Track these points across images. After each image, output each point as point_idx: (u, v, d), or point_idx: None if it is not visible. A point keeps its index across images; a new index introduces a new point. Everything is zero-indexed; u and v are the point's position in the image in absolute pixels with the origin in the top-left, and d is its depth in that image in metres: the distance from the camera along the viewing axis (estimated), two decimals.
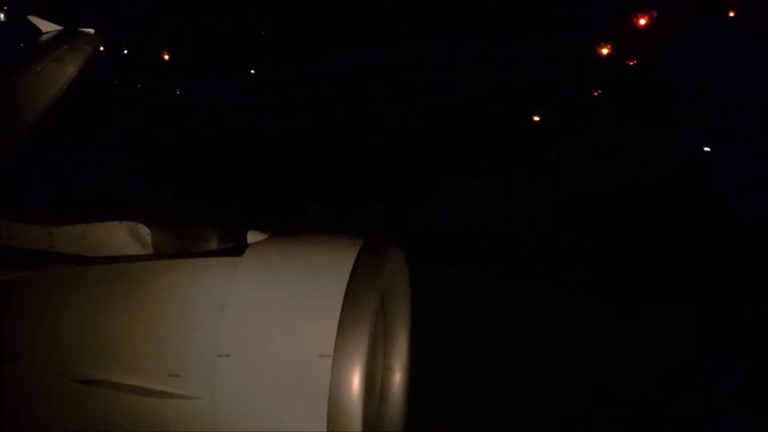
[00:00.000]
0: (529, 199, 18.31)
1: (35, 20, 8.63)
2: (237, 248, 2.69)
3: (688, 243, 14.73)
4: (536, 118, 26.84)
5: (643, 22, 34.28)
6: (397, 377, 2.98)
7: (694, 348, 11.00)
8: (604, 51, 32.54)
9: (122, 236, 3.03)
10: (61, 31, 8.53)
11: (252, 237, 2.77)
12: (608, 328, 11.63)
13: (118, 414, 2.47)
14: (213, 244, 2.97)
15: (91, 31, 8.61)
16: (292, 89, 30.04)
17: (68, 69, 7.39)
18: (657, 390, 10.00)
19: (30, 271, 2.93)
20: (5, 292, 2.81)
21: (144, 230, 3.02)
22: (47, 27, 8.59)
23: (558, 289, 12.89)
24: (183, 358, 2.42)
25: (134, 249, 3.01)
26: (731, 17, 33.77)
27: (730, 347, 11.13)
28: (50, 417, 2.62)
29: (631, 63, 30.77)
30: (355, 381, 2.25)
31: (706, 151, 21.89)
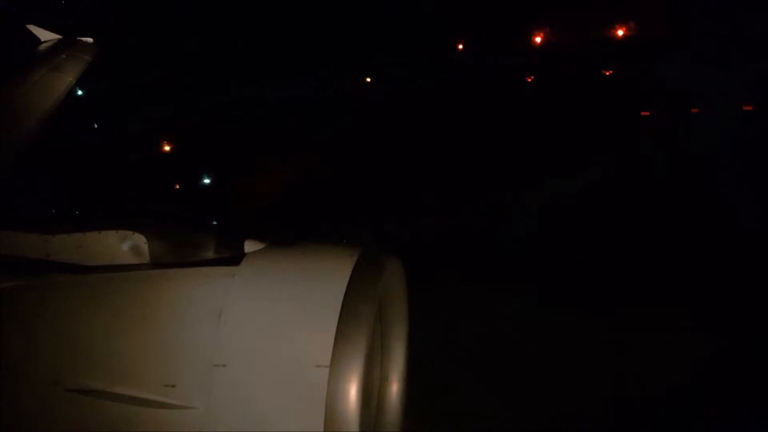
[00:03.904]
0: None
1: (34, 29, 8.64)
2: (234, 257, 2.68)
3: None
4: None
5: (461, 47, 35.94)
6: (394, 388, 2.95)
7: None
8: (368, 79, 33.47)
9: (118, 245, 3.02)
10: (59, 40, 8.53)
11: (249, 246, 2.76)
12: None
13: (114, 424, 2.45)
14: (210, 253, 2.96)
15: (90, 40, 8.62)
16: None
17: (66, 78, 7.39)
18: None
19: (26, 280, 2.91)
20: (2, 301, 2.79)
21: (140, 239, 3.00)
22: (46, 36, 8.60)
23: None
24: (179, 368, 2.40)
25: (130, 258, 3.00)
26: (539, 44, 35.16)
27: None
28: (46, 427, 2.60)
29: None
30: (352, 392, 2.23)
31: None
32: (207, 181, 21.23)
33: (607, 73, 32.08)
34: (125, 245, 3.02)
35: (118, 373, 2.48)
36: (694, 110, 26.45)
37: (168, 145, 23.94)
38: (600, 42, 34.55)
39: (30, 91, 6.79)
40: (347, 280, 2.42)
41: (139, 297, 2.65)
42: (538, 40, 36.59)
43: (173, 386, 2.38)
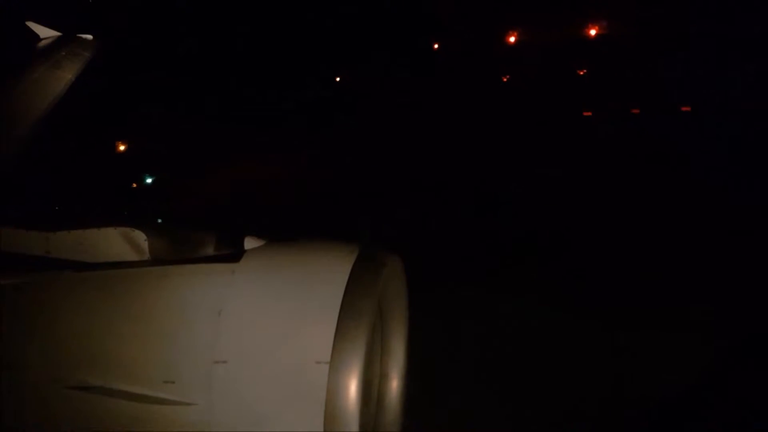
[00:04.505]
0: None
1: (33, 26, 8.62)
2: (234, 254, 2.68)
3: None
4: None
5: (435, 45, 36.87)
6: (394, 385, 2.96)
7: None
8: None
9: (119, 242, 3.02)
10: (59, 37, 8.52)
11: (249, 243, 2.76)
12: None
13: (114, 421, 2.45)
14: (210, 250, 2.95)
15: (90, 37, 8.61)
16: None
17: (66, 75, 7.37)
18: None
19: (26, 277, 2.91)
20: (1, 298, 2.79)
21: (140, 236, 3.00)
22: (45, 33, 8.58)
23: None
24: (179, 365, 2.41)
25: (131, 255, 2.99)
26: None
27: None
28: (45, 424, 2.60)
29: None
30: (352, 388, 2.23)
31: None
32: (149, 180, 21.04)
33: (581, 73, 32.33)
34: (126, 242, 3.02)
35: (119, 370, 2.48)
36: (634, 111, 26.66)
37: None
38: (573, 41, 34.90)
39: (29, 88, 6.78)
40: (347, 276, 2.43)
41: (140, 294, 2.65)
42: (512, 39, 37.01)
43: (173, 383, 2.38)
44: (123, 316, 2.59)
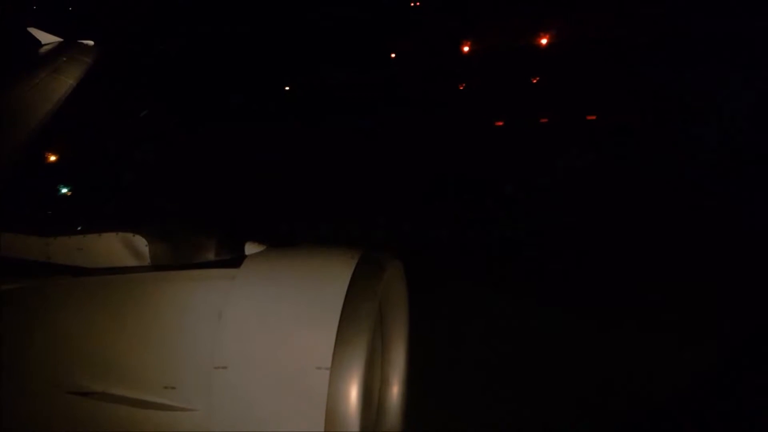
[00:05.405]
0: None
1: (35, 32, 8.66)
2: (234, 260, 2.68)
3: None
4: None
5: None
6: (395, 390, 2.96)
7: None
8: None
9: (119, 247, 3.03)
10: (60, 43, 8.56)
11: (249, 248, 2.77)
12: None
13: (114, 426, 2.45)
14: (210, 256, 2.96)
15: (91, 42, 8.64)
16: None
17: (67, 80, 7.40)
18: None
19: (26, 282, 2.92)
20: (1, 303, 2.79)
21: (141, 241, 3.01)
22: (47, 39, 8.62)
23: None
24: (179, 370, 2.41)
25: (131, 260, 3.00)
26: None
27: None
28: (45, 429, 2.60)
29: None
30: (353, 394, 2.23)
31: None
32: (64, 190, 20.53)
33: (534, 81, 32.56)
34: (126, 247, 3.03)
35: (119, 375, 2.48)
36: (543, 120, 26.74)
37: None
38: (525, 50, 35.32)
39: (30, 93, 6.80)
40: (348, 281, 2.42)
41: (140, 299, 2.65)
42: (466, 48, 37.44)
43: (173, 388, 2.38)
44: (123, 322, 2.59)
